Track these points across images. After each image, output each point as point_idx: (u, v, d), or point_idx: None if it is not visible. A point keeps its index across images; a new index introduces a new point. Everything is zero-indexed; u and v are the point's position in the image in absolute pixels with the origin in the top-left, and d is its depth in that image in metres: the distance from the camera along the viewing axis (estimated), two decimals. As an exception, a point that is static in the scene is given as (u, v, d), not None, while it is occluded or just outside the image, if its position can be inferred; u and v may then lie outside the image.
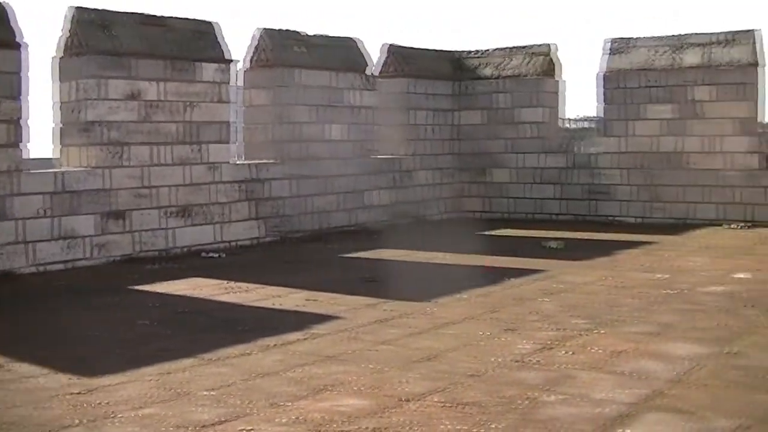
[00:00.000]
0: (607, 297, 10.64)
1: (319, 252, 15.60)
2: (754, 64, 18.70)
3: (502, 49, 21.64)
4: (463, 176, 21.54)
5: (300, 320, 9.50)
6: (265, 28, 17.36)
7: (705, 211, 18.81)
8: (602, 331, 8.71)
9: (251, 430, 5.96)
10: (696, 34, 19.47)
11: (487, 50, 21.84)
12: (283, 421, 6.12)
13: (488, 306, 10.17)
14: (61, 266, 13.61)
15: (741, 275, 12.20)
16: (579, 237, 16.88)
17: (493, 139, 21.24)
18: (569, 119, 22.94)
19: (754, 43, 18.80)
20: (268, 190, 16.81)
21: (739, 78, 18.70)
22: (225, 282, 12.09)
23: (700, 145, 18.93)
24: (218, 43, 16.18)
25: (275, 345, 8.34)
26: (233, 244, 16.00)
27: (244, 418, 6.19)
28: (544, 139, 20.73)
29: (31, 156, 14.62)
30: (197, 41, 15.89)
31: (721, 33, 19.20)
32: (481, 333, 8.74)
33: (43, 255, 13.48)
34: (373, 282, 12.01)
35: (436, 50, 21.66)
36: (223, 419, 6.16)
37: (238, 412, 6.32)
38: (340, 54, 18.49)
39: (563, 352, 7.91)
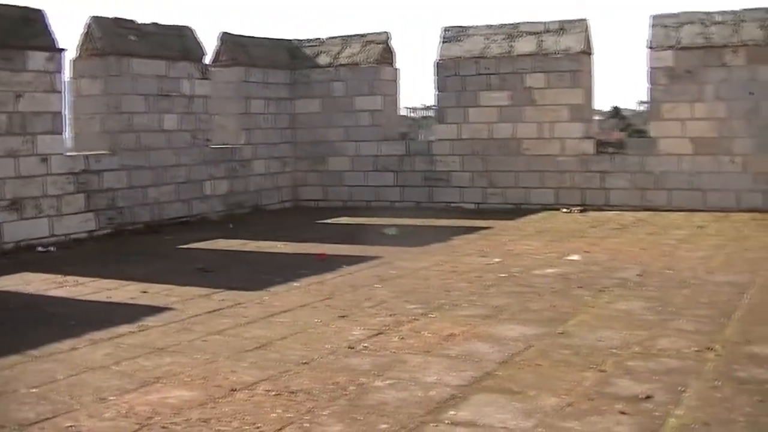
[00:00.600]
0: (441, 282, 10.71)
1: (155, 243, 15.31)
2: (586, 53, 19.11)
3: (338, 37, 21.62)
4: (301, 165, 21.45)
5: (132, 313, 9.29)
6: (95, 16, 16.94)
7: (541, 196, 19.17)
8: (435, 316, 8.76)
9: (75, 426, 5.78)
10: (529, 22, 19.79)
11: (323, 38, 21.78)
12: (109, 415, 5.96)
13: (322, 293, 10.13)
14: None
15: (573, 257, 12.44)
16: (417, 224, 16.98)
17: (330, 127, 21.19)
18: (413, 108, 23.08)
19: (585, 31, 19.21)
20: (102, 181, 16.39)
21: (571, 66, 19.08)
22: (58, 276, 11.74)
23: (535, 132, 19.26)
24: (47, 30, 15.68)
25: (105, 339, 8.13)
26: (67, 237, 15.53)
27: (69, 414, 6.00)
28: (382, 127, 20.79)
29: None
30: (24, 29, 15.36)
31: (553, 22, 19.57)
32: (314, 321, 8.69)
33: None
34: (208, 272, 11.86)
35: (271, 39, 21.51)
36: (46, 416, 5.96)
37: (63, 408, 6.12)
38: (174, 43, 18.19)
39: (396, 337, 7.91)
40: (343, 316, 8.83)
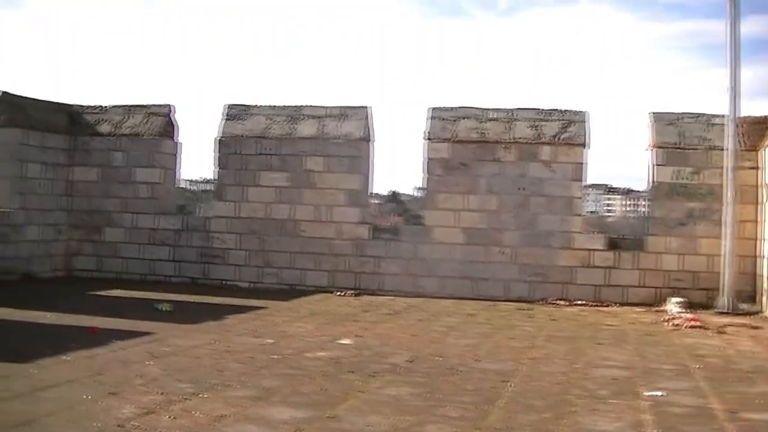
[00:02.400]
0: (213, 361, 10.67)
1: None
2: (366, 139, 19.56)
3: (121, 106, 21.41)
4: (76, 234, 21.00)
5: None
6: None
7: (316, 278, 19.38)
8: (206, 396, 8.73)
9: None
10: (312, 106, 20.16)
11: (106, 106, 21.51)
12: None
13: (93, 368, 9.93)
14: None
15: (345, 341, 12.61)
16: (191, 300, 16.88)
17: (108, 197, 20.88)
18: (190, 180, 23.00)
19: (365, 118, 19.68)
20: None
21: (350, 151, 19.50)
22: None
23: (312, 214, 19.53)
24: None
25: None
26: None
27: None
28: (160, 200, 20.64)
29: None
30: None
31: (335, 107, 19.99)
32: (83, 396, 8.50)
33: None
34: (-30, 341, 11.46)
35: (52, 102, 21.08)
36: None
37: None
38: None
39: (166, 416, 7.84)
40: (114, 393, 8.68)
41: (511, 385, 9.83)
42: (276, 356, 11.15)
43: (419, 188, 21.24)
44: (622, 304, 18.08)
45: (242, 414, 8.08)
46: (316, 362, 10.90)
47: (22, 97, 20.05)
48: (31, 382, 9.16)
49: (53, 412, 7.89)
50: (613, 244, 18.81)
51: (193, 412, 8.03)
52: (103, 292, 17.83)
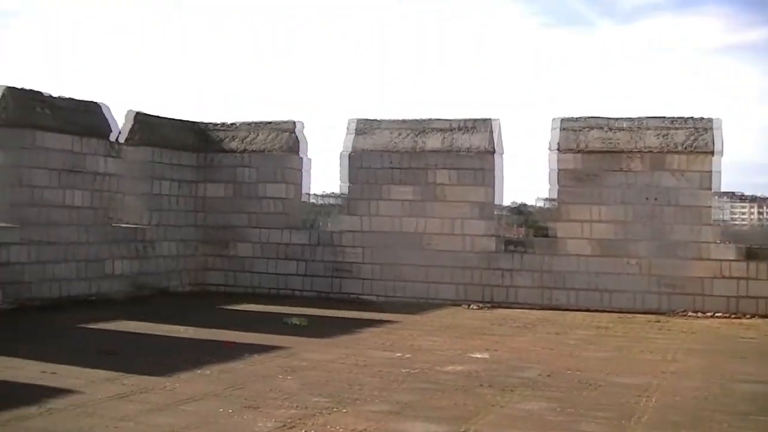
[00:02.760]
0: (347, 375, 10.69)
1: (59, 322, 15.06)
2: (492, 151, 19.42)
3: (248, 123, 21.69)
4: (207, 249, 21.34)
5: (36, 394, 9.10)
6: (8, 87, 16.79)
7: (445, 291, 19.30)
8: (343, 410, 8.73)
9: None
10: (438, 119, 20.07)
11: (234, 123, 21.83)
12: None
13: (229, 382, 10.03)
14: None
15: (478, 355, 12.51)
16: (322, 314, 16.96)
17: (237, 212, 21.17)
18: (315, 195, 23.14)
19: (491, 131, 19.55)
20: (6, 255, 16.20)
21: (477, 164, 19.39)
22: (-47, 352, 11.50)
23: (440, 227, 19.45)
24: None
25: (7, 420, 7.97)
26: (-34, 310, 15.27)
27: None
28: (288, 215, 20.83)
29: None
30: (-68, 97, 15.21)
31: (461, 120, 19.88)
32: (221, 410, 8.60)
33: None
34: (113, 355, 11.68)
35: (182, 120, 21.47)
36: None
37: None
38: (84, 118, 18.09)
39: (303, 431, 7.87)
40: (251, 407, 8.76)
41: (649, 400, 9.63)
42: (409, 370, 11.12)
43: (545, 199, 21.00)
44: (760, 316, 17.59)
45: (380, 428, 8.07)
46: (449, 376, 10.84)
47: (153, 116, 20.45)
48: (170, 395, 9.31)
49: (192, 425, 8.00)
50: (748, 254, 18.31)
51: (330, 427, 8.04)
52: (234, 307, 18.05)
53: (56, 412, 8.37)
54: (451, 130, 19.84)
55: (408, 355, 12.29)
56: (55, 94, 17.66)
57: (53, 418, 8.14)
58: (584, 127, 19.06)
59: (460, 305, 18.68)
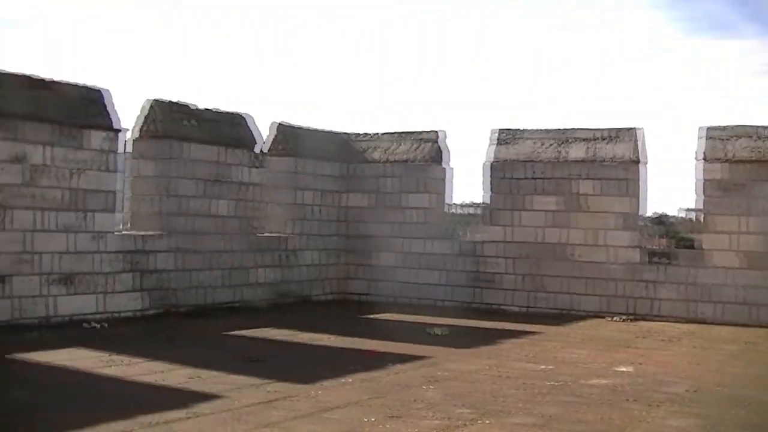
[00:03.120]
0: (491, 386, 10.59)
1: (203, 328, 15.37)
2: (636, 161, 19.09)
3: (390, 133, 21.79)
4: (349, 258, 21.50)
5: (183, 398, 9.27)
6: (156, 99, 17.23)
7: (588, 303, 19.03)
8: (487, 422, 8.65)
9: None
10: (581, 129, 19.82)
11: (376, 134, 21.97)
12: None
13: (372, 391, 10.05)
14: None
15: (623, 368, 12.28)
16: (463, 324, 16.89)
17: (379, 222, 21.27)
18: (455, 204, 23.10)
19: (635, 140, 19.23)
20: (153, 262, 16.59)
21: (621, 174, 19.08)
22: (106, 354, 11.82)
23: (583, 238, 19.20)
24: (107, 110, 15.99)
25: (157, 423, 8.11)
26: (116, 315, 15.70)
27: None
28: (430, 225, 20.83)
29: None
30: (86, 108, 15.69)
31: (605, 129, 19.59)
32: (365, 419, 8.60)
33: None
34: (257, 361, 11.82)
35: (325, 131, 21.69)
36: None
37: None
38: (229, 130, 18.41)
39: (449, 442, 7.83)
40: (395, 416, 8.74)
41: (806, 419, 9.32)
42: (553, 383, 10.97)
43: (688, 209, 20.57)
44: None
45: (525, 441, 7.96)
46: (594, 390, 10.65)
47: (297, 127, 20.69)
48: (314, 403, 9.35)
49: (337, 434, 8.02)
50: None
51: (475, 438, 7.97)
52: (375, 316, 18.11)
53: (202, 417, 8.49)
54: (595, 140, 19.57)
55: (551, 367, 12.13)
56: (201, 107, 18.04)
57: (199, 423, 8.26)
58: (731, 136, 18.56)
59: (602, 317, 18.39)
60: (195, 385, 10.04)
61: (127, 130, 16.84)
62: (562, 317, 18.32)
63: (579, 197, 19.37)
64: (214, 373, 10.75)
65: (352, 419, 8.60)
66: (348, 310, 19.04)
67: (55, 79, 15.45)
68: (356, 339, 14.28)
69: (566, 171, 19.53)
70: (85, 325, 14.78)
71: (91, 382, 10.26)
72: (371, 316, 18.09)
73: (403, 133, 21.65)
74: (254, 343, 13.96)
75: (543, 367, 12.17)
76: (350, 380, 10.66)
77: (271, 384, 10.20)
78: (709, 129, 18.76)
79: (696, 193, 18.63)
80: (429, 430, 8.22)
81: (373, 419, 8.61)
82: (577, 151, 19.60)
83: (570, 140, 19.83)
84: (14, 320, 14.28)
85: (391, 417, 8.73)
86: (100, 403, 9.03)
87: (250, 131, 18.96)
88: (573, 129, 19.97)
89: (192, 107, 17.88)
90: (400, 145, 21.44)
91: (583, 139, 19.69)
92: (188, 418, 8.42)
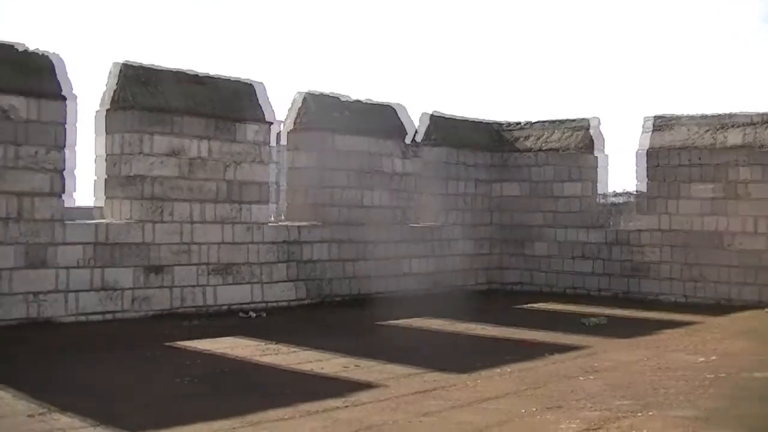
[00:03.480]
0: (651, 378, 10.38)
1: (358, 317, 15.53)
2: (798, 146, 18.49)
3: (542, 122, 21.61)
4: (502, 247, 21.42)
5: (340, 387, 9.37)
6: (308, 92, 17.44)
7: (747, 292, 18.50)
8: (649, 413, 8.48)
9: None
10: (738, 114, 19.27)
11: (528, 123, 21.82)
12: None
13: (530, 381, 9.97)
14: (100, 317, 13.77)
15: (787, 362, 11.92)
16: (619, 314, 16.64)
17: (532, 211, 21.13)
18: (607, 194, 22.75)
19: (797, 125, 18.63)
20: (308, 252, 16.82)
21: (782, 159, 18.50)
22: (263, 343, 12.03)
23: (742, 226, 18.70)
24: (260, 104, 16.25)
25: (316, 411, 8.20)
26: (271, 304, 15.99)
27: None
28: (584, 214, 20.58)
29: (77, 205, 14.78)
30: (240, 101, 15.98)
31: (763, 113, 19.01)
32: (523, 410, 8.53)
33: (83, 305, 13.65)
34: (413, 351, 11.86)
35: (476, 120, 21.65)
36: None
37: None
38: (381, 120, 18.51)
39: (610, 434, 7.71)
40: (553, 407, 8.66)
41: None
42: (715, 375, 10.70)
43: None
44: None
45: (688, 434, 7.79)
46: (757, 383, 10.38)
47: (448, 117, 20.70)
48: (472, 392, 9.34)
49: (495, 424, 7.97)
50: None
51: (637, 431, 7.83)
52: (530, 305, 18.00)
53: (361, 406, 8.55)
54: (753, 125, 19.01)
55: (713, 358, 11.84)
56: (352, 98, 18.17)
57: (358, 411, 8.31)
58: None
59: (763, 308, 17.87)
60: (352, 374, 10.13)
61: (281, 122, 17.12)
62: (720, 308, 17.87)
63: (737, 184, 18.84)
64: (371, 362, 10.82)
65: (510, 409, 8.55)
66: (501, 300, 18.98)
67: (210, 74, 15.81)
68: (511, 329, 14.21)
69: (723, 157, 19.03)
70: (241, 314, 15.09)
71: (250, 369, 10.45)
72: (525, 305, 17.98)
73: (555, 121, 21.44)
74: (409, 332, 14.02)
75: (703, 359, 11.87)
76: (507, 370, 10.62)
77: (427, 373, 10.23)
78: None
79: None
80: (589, 421, 8.11)
81: (532, 409, 8.54)
82: (734, 137, 19.08)
83: (727, 126, 19.31)
84: (173, 309, 14.71)
85: (550, 408, 8.64)
86: (260, 391, 9.18)
87: (402, 121, 19.03)
88: (730, 114, 19.45)
89: (344, 99, 18.04)
90: (553, 133, 21.24)
91: (741, 125, 19.15)
92: (347, 406, 8.49)
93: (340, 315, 15.81)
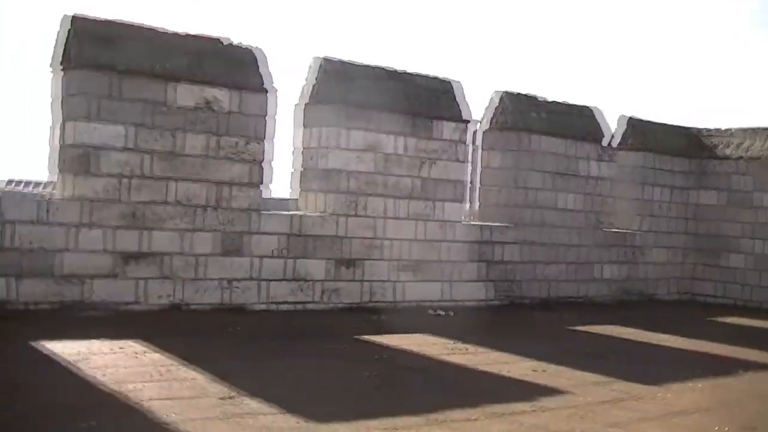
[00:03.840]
0: None
1: (546, 321, 15.40)
2: None
3: (743, 129, 20.91)
4: (695, 257, 20.85)
5: (527, 390, 9.29)
6: (505, 91, 17.39)
7: None
8: None
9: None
10: None
11: (728, 129, 21.16)
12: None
13: (722, 399, 9.69)
14: (290, 306, 14.03)
15: None
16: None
17: (729, 221, 20.48)
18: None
19: None
20: (499, 253, 16.78)
21: None
22: (451, 342, 12.03)
23: None
24: (457, 102, 16.27)
25: (502, 414, 8.16)
26: (460, 303, 15.98)
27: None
28: (783, 226, 19.82)
29: (272, 196, 15.15)
30: (437, 99, 16.03)
31: None
32: (716, 428, 8.27)
33: (274, 293, 13.93)
34: (601, 358, 11.69)
35: (673, 125, 21.16)
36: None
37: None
38: (577, 122, 18.30)
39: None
40: (746, 428, 8.39)
41: None
42: None
43: None
44: None
45: None
46: None
47: (646, 121, 20.29)
48: (662, 405, 9.13)
49: (688, 441, 7.78)
50: None
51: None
52: (723, 319, 17.47)
53: (548, 411, 8.47)
54: None
55: None
56: (548, 99, 18.03)
57: (545, 417, 8.23)
58: None
59: None
60: (539, 379, 10.04)
61: (477, 121, 17.11)
62: None
63: None
64: (559, 367, 10.71)
65: (703, 427, 8.32)
66: (693, 312, 18.51)
67: (408, 70, 15.90)
68: (702, 342, 13.81)
69: None
70: (430, 311, 15.14)
71: (436, 368, 10.47)
72: (718, 318, 17.47)
73: (757, 129, 20.72)
74: (598, 339, 13.83)
75: None
76: (698, 385, 10.32)
77: (616, 383, 10.05)
78: None
79: None
80: (786, 445, 7.85)
81: (725, 429, 8.28)
82: None
83: None
84: (362, 303, 14.87)
85: (744, 428, 8.38)
86: (446, 390, 9.19)
87: (598, 124, 18.76)
88: None
89: (540, 99, 17.92)
90: (755, 141, 20.55)
91: None
92: (533, 411, 8.42)
93: (529, 318, 15.72)
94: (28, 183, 47.12)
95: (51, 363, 9.05)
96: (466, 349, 11.58)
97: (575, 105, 18.54)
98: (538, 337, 13.43)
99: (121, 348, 9.90)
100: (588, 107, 18.72)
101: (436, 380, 9.79)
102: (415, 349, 11.47)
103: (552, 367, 10.67)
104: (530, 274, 17.25)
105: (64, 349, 9.58)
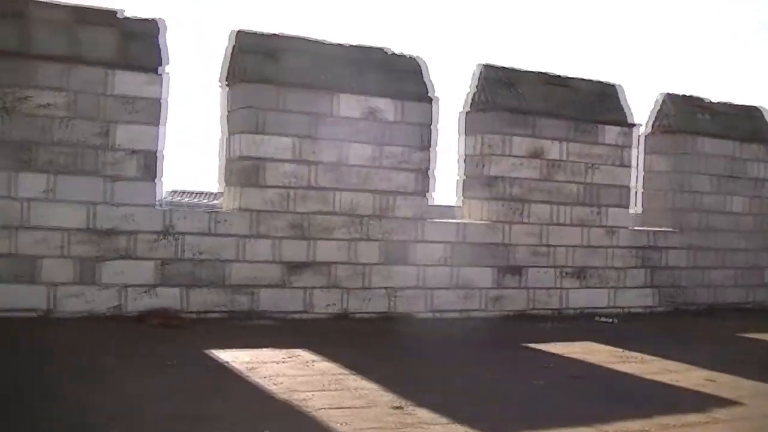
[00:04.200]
0: None
1: (715, 328, 15.08)
2: None
3: None
4: None
5: (699, 401, 9.11)
6: (668, 93, 17.17)
7: None
8: None
9: None
10: None
11: None
12: None
13: None
14: (456, 314, 14.11)
15: None
16: None
17: None
18: None
19: None
20: (665, 258, 16.55)
21: None
22: (619, 350, 11.90)
23: None
24: (620, 106, 16.13)
25: (674, 425, 8.04)
26: (625, 310, 15.85)
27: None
28: None
29: (435, 204, 15.28)
30: (600, 103, 15.92)
31: None
32: None
33: (439, 302, 14.04)
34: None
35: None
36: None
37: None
38: (744, 124, 17.90)
39: None
40: None
41: None
42: None
43: None
44: None
45: None
46: None
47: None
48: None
49: None
50: None
51: None
52: None
53: (721, 423, 8.29)
54: None
55: None
56: (714, 100, 17.71)
57: (718, 429, 8.08)
58: None
59: None
60: (710, 389, 9.82)
61: (640, 125, 16.91)
62: None
63: None
64: (731, 377, 10.44)
65: None
66: None
67: (570, 75, 15.84)
68: None
69: None
70: (596, 319, 15.04)
71: (605, 376, 10.38)
72: None
73: None
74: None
75: None
76: None
77: (790, 394, 9.80)
78: None
79: None
80: None
81: None
82: None
83: None
84: (527, 310, 14.88)
85: None
86: (617, 399, 9.11)
87: (767, 125, 18.32)
88: None
89: (705, 101, 17.61)
90: None
91: None
92: (706, 422, 8.27)
93: (695, 324, 15.43)
94: (190, 193, 48.11)
95: (225, 371, 9.32)
96: (634, 358, 11.43)
97: (742, 105, 18.17)
98: (707, 345, 13.17)
99: (290, 357, 10.09)
100: (756, 107, 18.32)
101: (606, 389, 9.71)
102: (581, 356, 11.41)
103: (723, 377, 10.43)
104: (696, 280, 16.95)
105: (235, 357, 9.83)
